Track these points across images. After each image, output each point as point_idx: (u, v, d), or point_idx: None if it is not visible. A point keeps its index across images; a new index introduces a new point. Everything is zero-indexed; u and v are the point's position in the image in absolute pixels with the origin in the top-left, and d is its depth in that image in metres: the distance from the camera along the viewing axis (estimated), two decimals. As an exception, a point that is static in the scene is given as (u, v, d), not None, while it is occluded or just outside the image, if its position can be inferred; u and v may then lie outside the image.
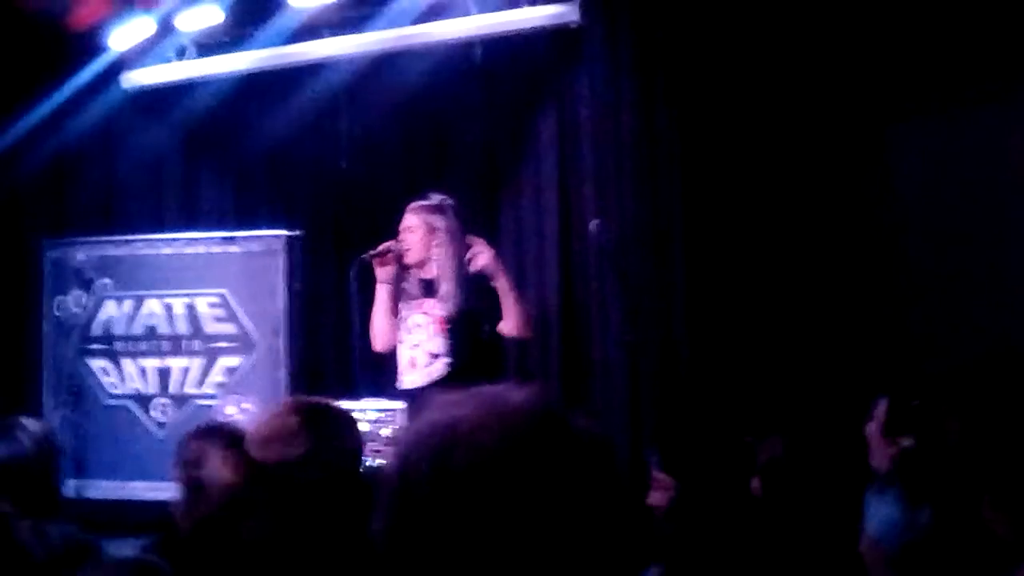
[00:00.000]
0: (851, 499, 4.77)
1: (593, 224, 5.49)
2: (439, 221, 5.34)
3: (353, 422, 3.31)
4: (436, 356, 5.28)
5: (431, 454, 1.28)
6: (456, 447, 1.27)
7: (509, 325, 5.27)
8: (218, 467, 3.68)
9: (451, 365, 5.22)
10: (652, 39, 6.12)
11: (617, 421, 5.95)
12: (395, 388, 5.38)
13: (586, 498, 1.29)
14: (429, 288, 5.38)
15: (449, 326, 5.25)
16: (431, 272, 5.36)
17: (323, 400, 3.39)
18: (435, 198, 5.46)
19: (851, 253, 5.87)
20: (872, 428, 4.77)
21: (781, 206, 5.89)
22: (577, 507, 1.28)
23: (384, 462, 5.17)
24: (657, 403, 5.94)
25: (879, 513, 4.81)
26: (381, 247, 5.38)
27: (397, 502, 1.30)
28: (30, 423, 3.82)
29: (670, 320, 6.01)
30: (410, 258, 5.35)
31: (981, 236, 5.72)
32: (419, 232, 5.34)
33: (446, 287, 5.28)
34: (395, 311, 5.41)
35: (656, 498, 3.62)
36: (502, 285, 5.26)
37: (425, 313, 5.35)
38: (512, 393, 1.36)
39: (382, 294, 5.41)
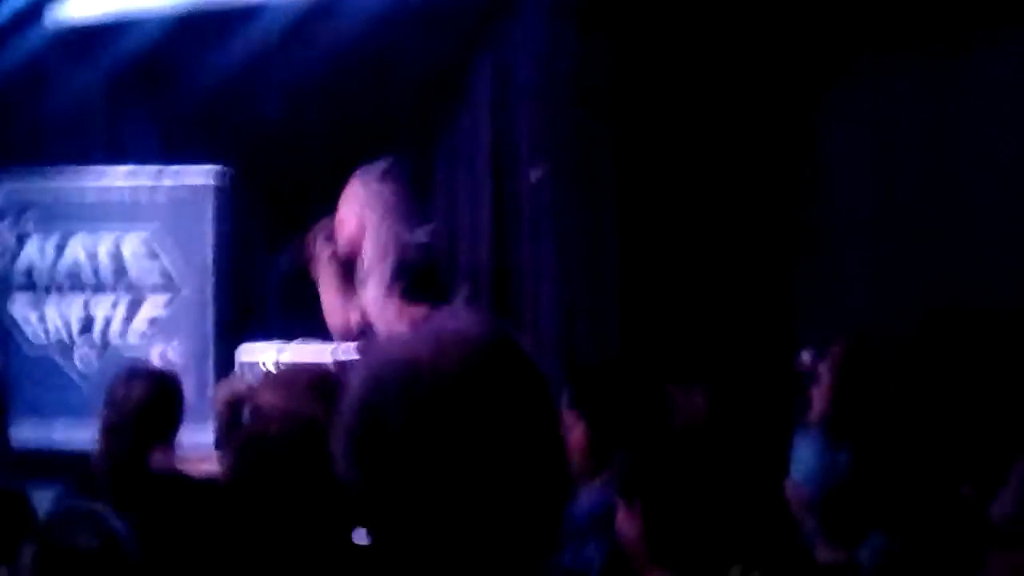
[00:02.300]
0: (776, 446, 4.90)
1: (534, 173, 5.47)
2: (380, 189, 4.95)
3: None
4: None
5: (396, 390, 1.29)
6: (420, 379, 1.28)
7: None
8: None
9: None
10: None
11: (552, 373, 5.97)
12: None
13: (541, 417, 1.33)
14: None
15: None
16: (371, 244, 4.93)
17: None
18: (376, 164, 5.05)
19: (780, 207, 5.97)
20: (822, 373, 4.91)
21: (715, 158, 5.95)
22: (534, 426, 1.32)
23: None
24: (590, 355, 5.98)
25: (802, 457, 4.96)
26: (320, 227, 5.01)
27: (364, 441, 1.30)
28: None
29: (603, 277, 6.04)
30: (348, 231, 4.94)
31: (907, 194, 5.84)
32: (356, 203, 4.95)
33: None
34: (348, 290, 4.97)
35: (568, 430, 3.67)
36: None
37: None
38: (464, 321, 1.39)
39: (327, 273, 5.03)
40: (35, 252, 6.70)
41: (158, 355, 6.30)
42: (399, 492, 1.27)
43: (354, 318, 4.92)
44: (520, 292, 6.30)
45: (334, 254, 5.00)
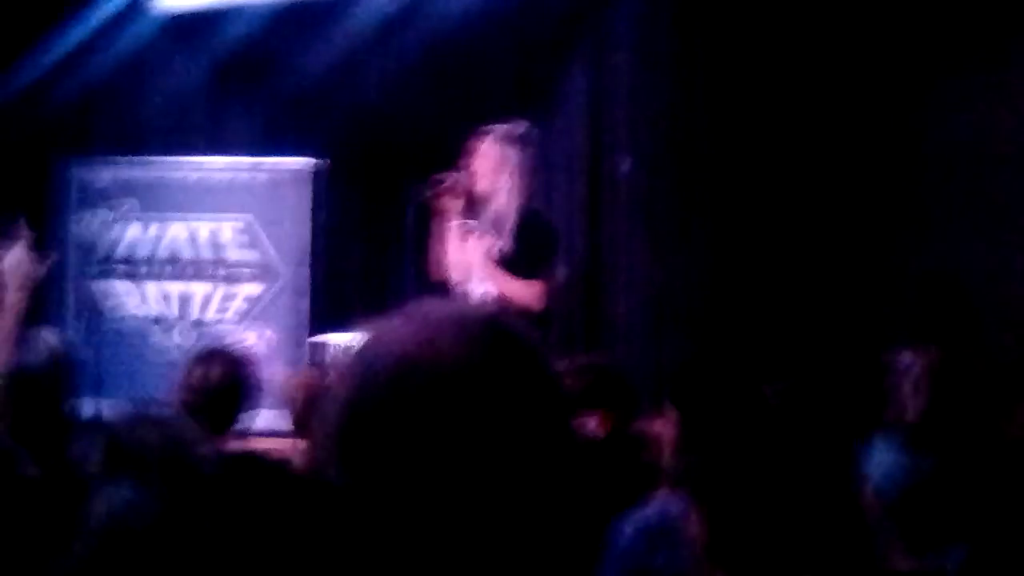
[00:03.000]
0: (852, 448, 4.77)
1: (625, 162, 5.43)
2: (513, 152, 4.95)
3: None
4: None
5: (388, 375, 1.20)
6: (415, 367, 1.20)
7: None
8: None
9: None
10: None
11: (640, 367, 5.92)
12: None
13: (544, 415, 1.23)
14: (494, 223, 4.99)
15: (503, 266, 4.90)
16: (497, 206, 4.95)
17: None
18: (514, 125, 5.05)
19: (880, 202, 5.83)
20: (917, 375, 4.76)
21: (812, 151, 5.85)
22: (536, 423, 1.21)
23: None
24: (679, 349, 5.91)
25: (883, 460, 4.81)
26: (448, 180, 4.97)
27: (351, 439, 1.21)
28: (49, 336, 3.80)
29: (696, 265, 5.98)
30: (479, 188, 4.95)
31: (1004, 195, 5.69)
32: (490, 161, 4.94)
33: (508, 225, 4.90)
34: (465, 246, 4.99)
35: (662, 428, 3.60)
36: None
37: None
38: (460, 310, 1.33)
39: (453, 229, 4.99)
40: (135, 236, 6.81)
41: (252, 340, 6.35)
42: (390, 494, 1.18)
43: (463, 274, 4.92)
44: (613, 285, 6.27)
45: (460, 207, 4.97)
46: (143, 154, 7.10)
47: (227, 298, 6.67)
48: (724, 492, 2.57)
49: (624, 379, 3.87)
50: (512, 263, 4.84)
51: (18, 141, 7.23)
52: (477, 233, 4.94)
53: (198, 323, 6.69)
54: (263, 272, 6.65)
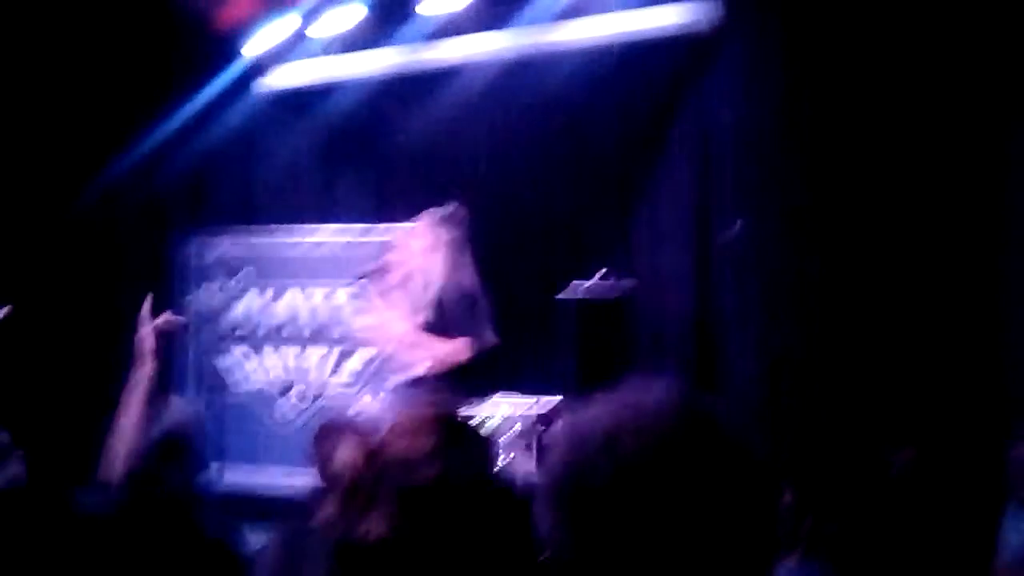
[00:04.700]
0: (986, 516, 4.63)
1: (737, 224, 5.42)
2: (444, 232, 5.42)
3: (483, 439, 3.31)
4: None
5: (599, 451, 1.31)
6: (623, 443, 1.31)
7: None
8: (345, 462, 3.72)
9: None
10: (796, 40, 6.04)
11: (754, 432, 5.86)
12: None
13: (741, 489, 1.33)
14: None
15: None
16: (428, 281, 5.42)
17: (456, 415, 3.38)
18: (445, 207, 5.52)
19: (991, 247, 5.70)
20: None
21: (923, 211, 5.75)
22: (733, 495, 1.32)
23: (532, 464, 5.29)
24: (794, 413, 5.84)
25: (1015, 540, 4.63)
26: (383, 261, 5.52)
27: (569, 499, 1.33)
28: (181, 405, 3.89)
29: (810, 328, 5.90)
30: (413, 267, 5.45)
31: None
32: (423, 241, 5.42)
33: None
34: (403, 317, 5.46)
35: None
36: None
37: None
38: (666, 390, 1.40)
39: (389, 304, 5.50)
40: (249, 306, 6.97)
41: (366, 405, 6.44)
42: (602, 552, 1.29)
43: (403, 342, 5.42)
44: (724, 341, 6.23)
45: (396, 283, 5.46)
46: (254, 226, 7.29)
47: (339, 364, 6.78)
48: (851, 559, 2.56)
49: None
50: (439, 329, 5.28)
51: (137, 217, 7.47)
52: (411, 306, 5.41)
53: (316, 387, 6.80)
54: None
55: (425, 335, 5.31)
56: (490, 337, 5.37)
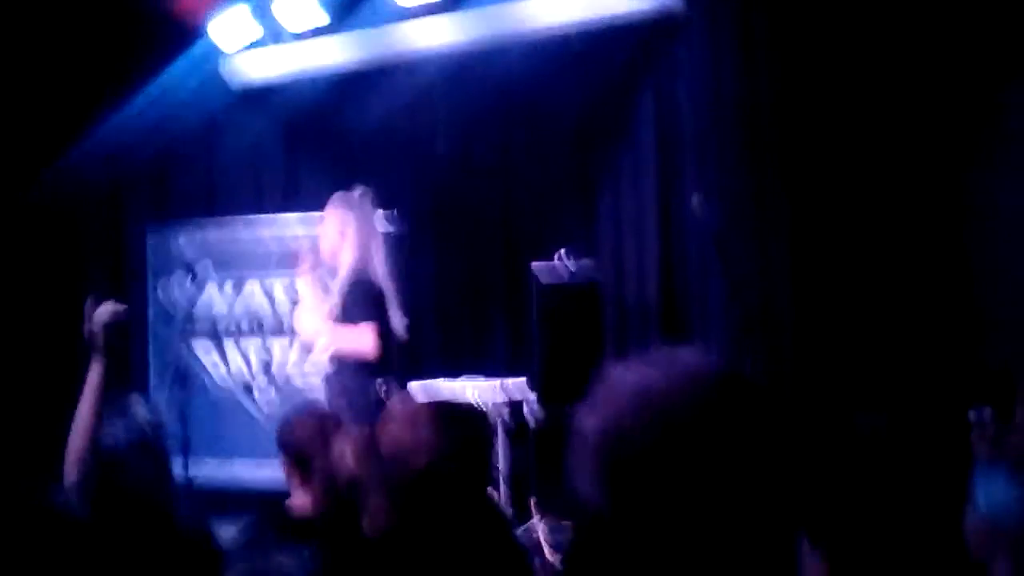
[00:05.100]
0: (955, 479, 4.68)
1: (695, 199, 5.39)
2: (352, 215, 5.39)
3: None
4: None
5: (643, 410, 1.35)
6: (652, 405, 1.35)
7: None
8: (340, 456, 3.69)
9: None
10: (756, 22, 6.04)
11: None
12: None
13: (780, 447, 1.37)
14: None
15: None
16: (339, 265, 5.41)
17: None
18: (353, 190, 5.50)
19: (956, 226, 5.75)
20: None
21: (884, 181, 5.78)
22: (766, 451, 1.36)
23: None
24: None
25: (993, 492, 4.69)
26: (302, 246, 5.65)
27: (608, 461, 1.36)
28: (140, 403, 3.85)
29: (774, 304, 5.93)
30: (324, 251, 5.45)
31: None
32: (333, 225, 5.41)
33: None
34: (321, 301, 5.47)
35: None
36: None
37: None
38: (696, 356, 1.44)
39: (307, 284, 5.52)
40: (213, 298, 6.92)
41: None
42: (640, 509, 1.33)
43: (311, 330, 5.45)
44: (688, 326, 6.26)
45: (314, 267, 5.50)
46: (217, 215, 7.24)
47: (304, 353, 6.76)
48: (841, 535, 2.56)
49: None
50: (345, 316, 5.26)
51: (97, 206, 7.40)
52: (322, 290, 5.46)
53: (280, 380, 6.78)
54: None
55: (330, 323, 5.29)
56: (398, 327, 5.36)
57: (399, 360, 5.58)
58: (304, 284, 5.52)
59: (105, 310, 3.53)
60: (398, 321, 5.35)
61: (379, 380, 5.19)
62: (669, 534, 1.32)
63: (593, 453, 1.38)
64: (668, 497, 1.31)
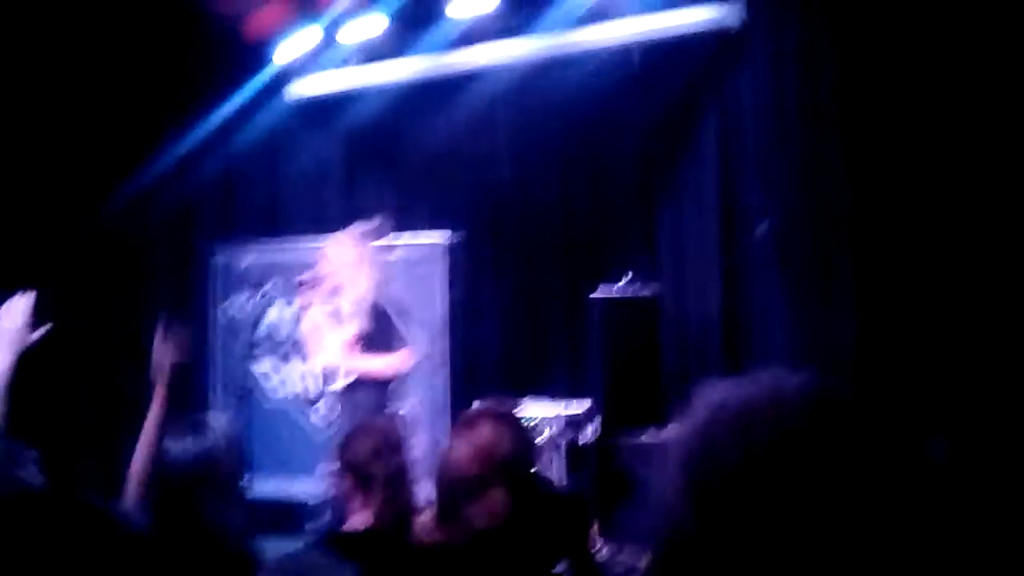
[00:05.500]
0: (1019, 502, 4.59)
1: (761, 226, 5.37)
2: (361, 246, 5.55)
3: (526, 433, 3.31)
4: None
5: (732, 432, 1.34)
6: (756, 424, 1.33)
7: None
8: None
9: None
10: (817, 37, 6.00)
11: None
12: None
13: (866, 474, 1.35)
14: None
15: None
16: (355, 295, 5.54)
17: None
18: (369, 222, 5.64)
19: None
20: None
21: (952, 201, 5.68)
22: (859, 480, 1.34)
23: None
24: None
25: None
26: (312, 276, 5.62)
27: (699, 477, 1.35)
28: (217, 419, 3.88)
29: (836, 325, 5.86)
30: (339, 281, 5.56)
31: None
32: (348, 256, 5.55)
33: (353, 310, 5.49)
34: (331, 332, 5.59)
35: None
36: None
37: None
38: (798, 377, 1.42)
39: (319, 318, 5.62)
40: (277, 315, 6.97)
41: (394, 412, 6.45)
42: (725, 530, 1.32)
43: (335, 358, 5.54)
44: (750, 343, 6.20)
45: (324, 298, 5.59)
46: (281, 234, 7.30)
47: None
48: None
49: None
50: (369, 343, 5.43)
51: (165, 225, 7.51)
52: (339, 320, 5.55)
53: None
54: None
55: (358, 347, 5.44)
56: (422, 346, 5.59)
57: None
58: (318, 311, 5.62)
59: (171, 349, 3.59)
60: (422, 341, 5.54)
61: (392, 395, 5.45)
62: (758, 555, 1.30)
63: (684, 470, 1.38)
64: (758, 517, 1.30)
